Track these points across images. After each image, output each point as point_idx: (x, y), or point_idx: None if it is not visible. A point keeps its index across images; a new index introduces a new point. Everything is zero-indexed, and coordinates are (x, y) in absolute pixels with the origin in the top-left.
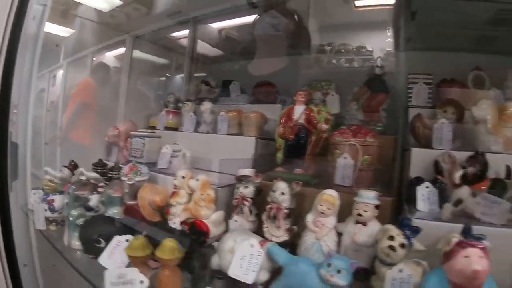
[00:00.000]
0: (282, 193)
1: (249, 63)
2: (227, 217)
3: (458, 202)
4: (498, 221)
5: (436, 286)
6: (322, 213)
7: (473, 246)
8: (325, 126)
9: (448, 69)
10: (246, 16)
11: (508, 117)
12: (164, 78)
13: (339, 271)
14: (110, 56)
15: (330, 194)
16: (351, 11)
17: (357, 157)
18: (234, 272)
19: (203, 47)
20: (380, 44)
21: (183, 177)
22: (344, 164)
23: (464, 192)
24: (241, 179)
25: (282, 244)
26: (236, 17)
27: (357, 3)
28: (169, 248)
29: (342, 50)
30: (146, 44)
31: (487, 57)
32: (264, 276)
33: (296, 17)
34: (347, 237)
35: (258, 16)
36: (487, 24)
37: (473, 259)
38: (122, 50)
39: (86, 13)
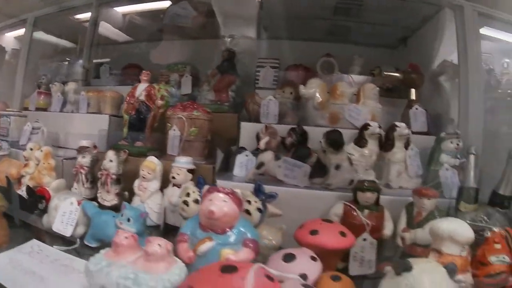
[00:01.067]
0: (110, 160)
1: (152, 47)
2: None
3: (260, 165)
4: (300, 183)
5: (190, 227)
6: (144, 177)
7: (218, 191)
8: (160, 102)
9: (304, 56)
10: (154, 2)
11: (337, 96)
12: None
13: (129, 220)
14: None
15: (151, 161)
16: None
17: (184, 129)
18: (57, 227)
19: (106, 31)
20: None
21: (31, 149)
22: (173, 135)
23: (266, 156)
24: (80, 150)
25: (113, 208)
26: (144, 3)
27: None
28: None
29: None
30: (48, 26)
31: (337, 46)
32: (81, 230)
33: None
34: (165, 199)
35: (170, 5)
36: (332, 14)
37: (213, 202)
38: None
39: None
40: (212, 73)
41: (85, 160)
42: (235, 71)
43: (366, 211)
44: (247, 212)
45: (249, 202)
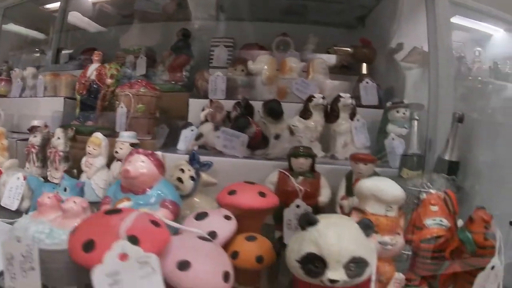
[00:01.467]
0: (58, 138)
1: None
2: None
3: (199, 136)
4: (239, 153)
5: (112, 190)
6: (90, 154)
7: (137, 152)
8: (109, 81)
9: (261, 36)
10: None
11: (286, 71)
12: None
13: (65, 189)
14: None
15: (96, 136)
16: None
17: (130, 106)
18: (5, 201)
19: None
20: None
21: None
22: (121, 112)
23: (205, 127)
24: (31, 130)
25: None
26: None
27: None
28: None
29: None
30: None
31: (294, 26)
32: (26, 204)
33: None
34: (110, 174)
35: None
36: None
37: (131, 162)
38: None
39: None
40: (166, 54)
41: (36, 139)
42: (190, 51)
43: (300, 178)
44: (180, 180)
45: (182, 170)
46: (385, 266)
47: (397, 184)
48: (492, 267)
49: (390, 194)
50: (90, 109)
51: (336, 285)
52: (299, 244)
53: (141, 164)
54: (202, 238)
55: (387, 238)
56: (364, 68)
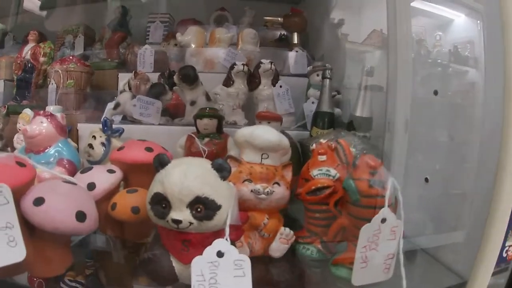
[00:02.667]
0: None
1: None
2: None
3: (117, 105)
4: (154, 120)
5: (21, 153)
6: (20, 130)
7: (38, 114)
8: (42, 59)
9: (199, 11)
10: None
11: (214, 42)
12: None
13: None
14: None
15: (25, 112)
16: None
17: (60, 82)
18: None
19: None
20: None
21: None
22: (51, 89)
23: (123, 96)
24: None
25: None
26: None
27: None
28: None
29: None
30: None
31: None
32: None
33: None
34: None
35: None
36: None
37: (31, 123)
38: None
39: None
40: (102, 32)
41: None
42: (127, 28)
43: (206, 139)
44: (91, 146)
45: (94, 137)
46: (263, 217)
47: (274, 131)
48: (384, 220)
49: (262, 138)
50: (26, 88)
51: (182, 226)
52: (151, 185)
53: (40, 125)
54: (66, 182)
55: (259, 186)
56: (295, 37)
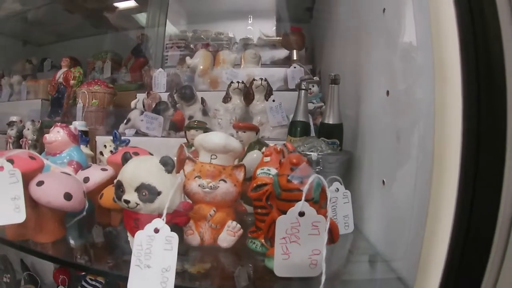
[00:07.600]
0: (27, 129)
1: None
2: None
3: (127, 120)
4: (157, 133)
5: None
6: None
7: (56, 126)
8: (72, 82)
9: None
10: None
11: (219, 63)
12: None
13: None
14: None
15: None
16: None
17: (85, 101)
18: None
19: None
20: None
21: None
22: (79, 107)
23: (133, 113)
24: (9, 123)
25: None
26: None
27: None
28: None
29: (202, 36)
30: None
31: None
32: None
33: None
34: None
35: None
36: None
37: (50, 133)
38: None
39: None
40: (127, 57)
41: (12, 131)
42: (148, 53)
43: (193, 148)
44: (101, 153)
45: (105, 146)
46: (210, 210)
47: (223, 136)
48: (302, 214)
49: (210, 142)
50: (59, 106)
51: (131, 206)
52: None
53: (56, 134)
54: (64, 173)
55: (204, 181)
56: (294, 54)
